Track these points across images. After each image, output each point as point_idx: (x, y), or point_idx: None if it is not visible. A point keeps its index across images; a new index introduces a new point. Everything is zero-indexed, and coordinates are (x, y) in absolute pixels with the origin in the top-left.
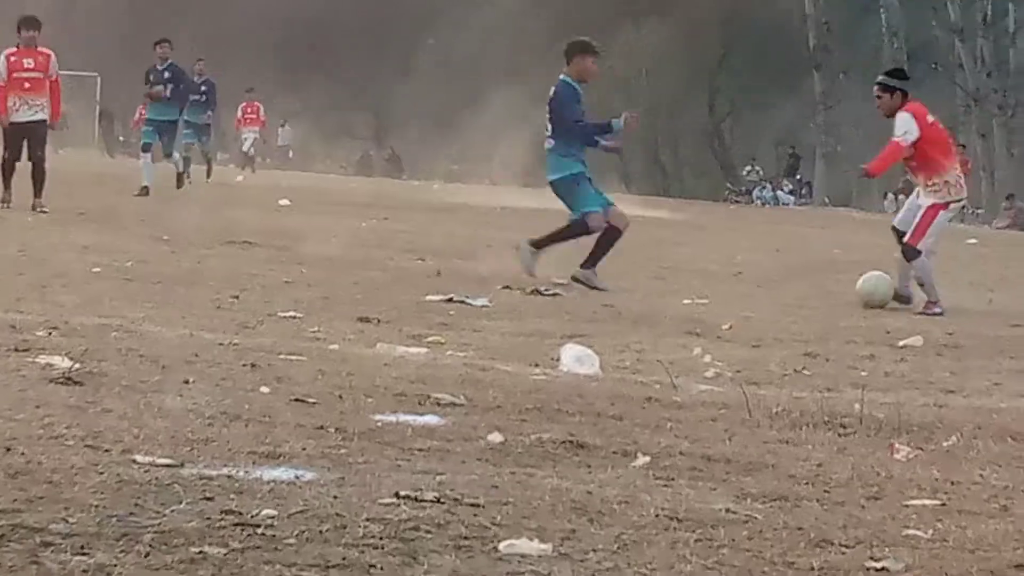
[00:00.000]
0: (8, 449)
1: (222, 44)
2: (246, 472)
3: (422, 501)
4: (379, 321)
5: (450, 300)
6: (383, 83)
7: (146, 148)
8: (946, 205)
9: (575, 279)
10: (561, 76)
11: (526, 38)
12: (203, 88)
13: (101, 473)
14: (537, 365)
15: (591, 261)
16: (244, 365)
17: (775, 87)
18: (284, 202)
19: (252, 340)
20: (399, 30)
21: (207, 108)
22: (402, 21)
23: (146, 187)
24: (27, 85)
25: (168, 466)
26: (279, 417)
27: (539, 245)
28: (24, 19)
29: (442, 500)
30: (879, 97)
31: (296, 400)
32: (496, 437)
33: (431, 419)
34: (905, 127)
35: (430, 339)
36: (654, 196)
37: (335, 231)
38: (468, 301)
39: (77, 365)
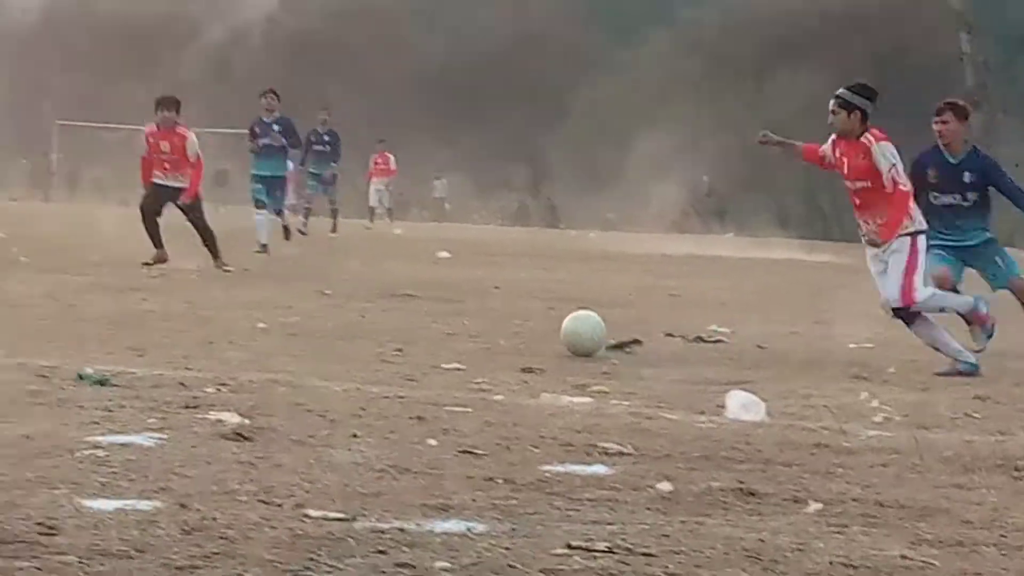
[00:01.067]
0: (183, 505)
1: (378, 96)
2: (418, 525)
3: (594, 551)
4: (542, 371)
5: (613, 348)
6: (537, 133)
7: (259, 205)
8: (916, 237)
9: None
10: None
11: (680, 83)
12: (327, 138)
13: (274, 528)
14: (703, 413)
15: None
16: (411, 418)
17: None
18: (443, 254)
19: (418, 392)
20: (552, 79)
21: (331, 159)
22: (555, 70)
23: (264, 245)
24: (167, 166)
25: (340, 520)
26: (448, 469)
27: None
28: (160, 99)
29: (614, 550)
30: (834, 112)
31: (464, 452)
32: (665, 486)
33: (599, 469)
34: (892, 159)
35: (594, 388)
36: (814, 240)
37: (495, 282)
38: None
39: (247, 421)
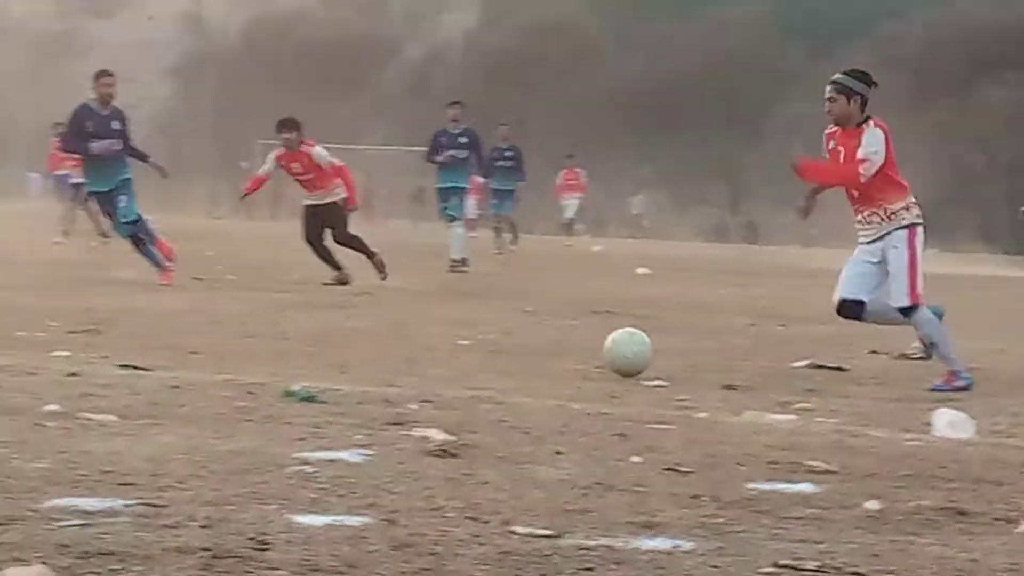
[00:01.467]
0: (391, 522)
1: (575, 112)
2: (624, 542)
3: (803, 571)
4: (745, 388)
5: (816, 366)
6: (736, 149)
7: (450, 219)
8: (915, 229)
9: None
10: None
11: (879, 98)
12: (508, 153)
13: (482, 544)
14: (909, 431)
15: None
16: (613, 435)
17: None
18: (642, 271)
19: (620, 409)
20: (750, 95)
21: (517, 177)
22: (753, 86)
23: (461, 259)
24: (308, 185)
25: (547, 537)
26: (652, 486)
27: None
28: (279, 122)
29: (823, 570)
30: (831, 100)
31: (668, 469)
32: (873, 504)
33: (805, 487)
34: (875, 146)
35: (798, 405)
36: (1020, 255)
37: (694, 298)
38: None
39: (452, 437)
